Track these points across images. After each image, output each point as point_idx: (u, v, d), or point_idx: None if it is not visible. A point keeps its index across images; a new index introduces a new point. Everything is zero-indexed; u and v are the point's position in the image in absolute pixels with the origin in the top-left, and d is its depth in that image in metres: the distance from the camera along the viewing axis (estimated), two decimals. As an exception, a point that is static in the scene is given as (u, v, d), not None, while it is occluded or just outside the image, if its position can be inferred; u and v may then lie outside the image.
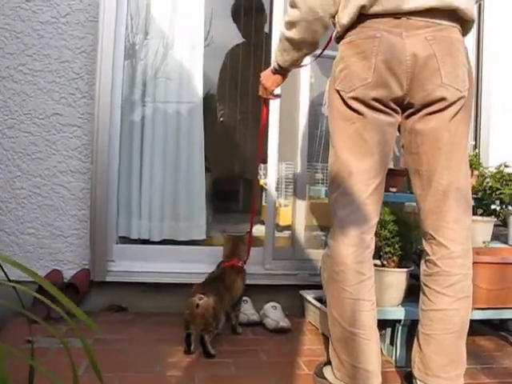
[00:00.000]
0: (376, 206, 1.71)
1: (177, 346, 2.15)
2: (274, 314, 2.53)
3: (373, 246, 1.71)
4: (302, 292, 2.71)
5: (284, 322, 2.47)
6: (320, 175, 3.14)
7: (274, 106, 2.81)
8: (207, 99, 3.32)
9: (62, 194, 2.67)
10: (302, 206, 2.94)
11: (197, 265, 2.65)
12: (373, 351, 1.66)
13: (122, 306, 2.66)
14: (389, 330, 2.18)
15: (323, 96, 3.32)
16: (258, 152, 2.41)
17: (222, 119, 4.32)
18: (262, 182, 3.52)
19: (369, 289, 1.68)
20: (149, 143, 2.89)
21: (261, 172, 3.56)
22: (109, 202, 2.66)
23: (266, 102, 2.23)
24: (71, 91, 2.67)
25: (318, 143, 3.21)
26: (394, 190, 2.20)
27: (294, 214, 2.94)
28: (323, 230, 3.02)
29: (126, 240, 2.85)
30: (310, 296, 2.63)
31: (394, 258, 2.13)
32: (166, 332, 2.37)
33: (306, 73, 2.87)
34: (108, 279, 2.63)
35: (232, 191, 4.38)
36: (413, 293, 2.03)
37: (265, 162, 2.94)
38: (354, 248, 1.66)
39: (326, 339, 2.27)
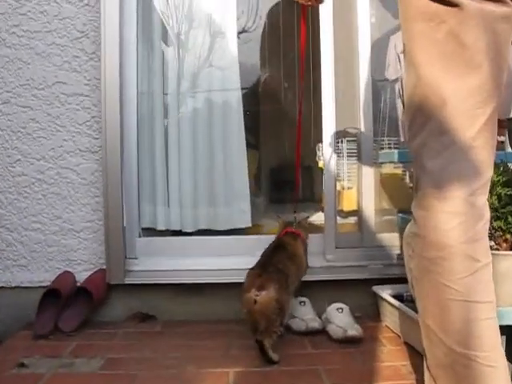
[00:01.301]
0: (488, 151, 1.06)
1: (207, 368, 1.60)
2: (340, 318, 1.94)
3: (488, 215, 1.07)
4: (375, 288, 2.13)
5: (354, 330, 1.87)
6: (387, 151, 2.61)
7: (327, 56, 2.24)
8: (246, 66, 2.79)
9: (70, 179, 2.19)
10: (369, 184, 2.40)
11: (242, 258, 2.09)
12: (500, 384, 1.03)
13: (148, 314, 2.14)
14: (503, 338, 1.53)
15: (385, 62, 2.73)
16: (299, 97, 1.86)
17: (264, 87, 3.72)
18: (321, 163, 3.01)
19: (486, 283, 1.04)
20: (175, 116, 2.40)
21: (319, 152, 3.09)
22: (125, 186, 2.16)
23: (305, 11, 1.60)
24: (75, 53, 2.20)
25: (382, 118, 2.69)
26: (502, 138, 1.53)
27: (361, 196, 2.40)
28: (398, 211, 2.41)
29: (151, 232, 2.34)
30: (385, 293, 2.05)
31: (507, 236, 1.49)
32: (198, 346, 1.83)
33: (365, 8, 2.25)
34: (127, 281, 2.11)
35: (284, 172, 3.74)
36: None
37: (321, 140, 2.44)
38: (459, 218, 1.03)
39: (413, 351, 1.66)
